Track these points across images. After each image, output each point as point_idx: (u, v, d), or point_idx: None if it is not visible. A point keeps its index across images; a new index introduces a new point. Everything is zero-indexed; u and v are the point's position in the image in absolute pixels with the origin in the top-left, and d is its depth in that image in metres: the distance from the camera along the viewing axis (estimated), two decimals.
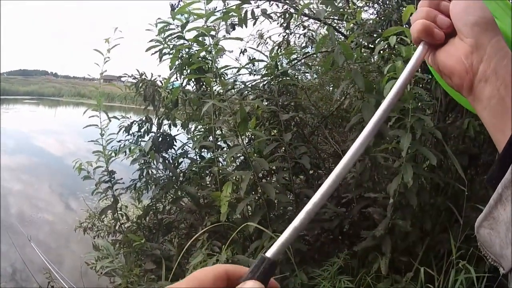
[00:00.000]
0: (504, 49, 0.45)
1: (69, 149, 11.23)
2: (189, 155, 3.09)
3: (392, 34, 2.12)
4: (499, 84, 0.43)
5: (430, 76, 2.93)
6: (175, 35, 2.68)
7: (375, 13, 4.04)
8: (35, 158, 10.37)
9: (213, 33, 2.59)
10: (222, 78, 2.87)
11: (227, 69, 2.79)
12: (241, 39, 2.72)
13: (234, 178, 2.39)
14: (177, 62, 2.72)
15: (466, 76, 0.46)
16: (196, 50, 2.64)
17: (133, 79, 3.31)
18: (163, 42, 2.77)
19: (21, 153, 10.56)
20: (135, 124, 3.34)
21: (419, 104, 2.26)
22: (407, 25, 2.13)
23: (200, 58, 2.63)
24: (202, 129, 2.83)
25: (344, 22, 3.39)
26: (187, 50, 2.73)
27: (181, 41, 2.71)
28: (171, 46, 2.74)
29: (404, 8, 2.65)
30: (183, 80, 2.90)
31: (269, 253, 0.38)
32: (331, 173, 0.42)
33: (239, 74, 3.39)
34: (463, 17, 0.48)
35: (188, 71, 2.71)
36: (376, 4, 4.06)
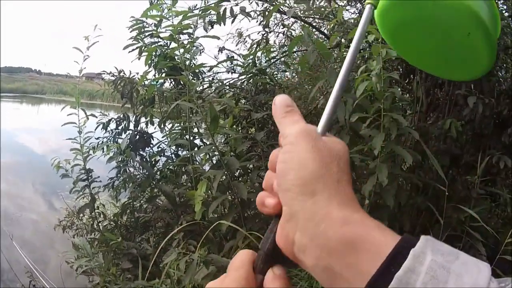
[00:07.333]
0: (322, 210, 0.38)
1: (51, 147, 11.03)
2: (166, 154, 3.07)
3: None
4: (319, 253, 0.37)
5: (412, 77, 2.95)
6: (148, 34, 2.66)
7: (357, 12, 4.03)
8: (18, 156, 10.21)
9: (190, 30, 2.56)
10: (199, 76, 2.84)
11: (202, 67, 2.76)
12: (218, 38, 2.69)
13: (208, 177, 2.38)
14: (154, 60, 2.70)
15: (288, 248, 0.40)
16: (170, 49, 2.61)
17: (111, 76, 3.27)
18: (140, 40, 2.73)
19: (4, 151, 10.38)
20: (112, 121, 3.30)
21: (400, 104, 2.22)
22: None
23: (175, 56, 2.60)
24: (179, 128, 2.81)
25: (326, 21, 3.38)
26: (164, 48, 2.70)
27: (156, 39, 2.68)
28: (147, 43, 2.70)
29: None
30: (158, 78, 2.87)
31: (319, 129, 0.44)
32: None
33: (218, 72, 3.37)
34: (279, 182, 0.42)
35: (164, 69, 2.69)
36: (358, 3, 4.06)
